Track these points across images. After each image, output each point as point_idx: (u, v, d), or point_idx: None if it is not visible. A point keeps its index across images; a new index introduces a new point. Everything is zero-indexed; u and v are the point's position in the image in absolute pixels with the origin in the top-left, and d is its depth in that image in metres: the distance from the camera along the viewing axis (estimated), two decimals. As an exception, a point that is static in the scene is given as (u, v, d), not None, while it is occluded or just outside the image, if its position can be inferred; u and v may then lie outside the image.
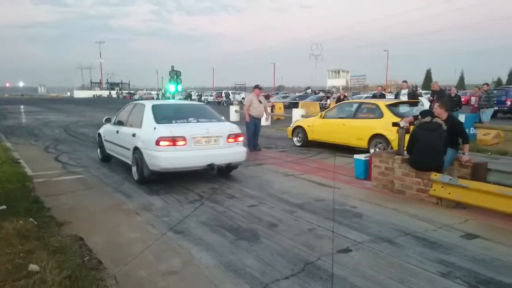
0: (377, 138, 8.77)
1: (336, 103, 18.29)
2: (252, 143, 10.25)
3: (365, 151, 8.49)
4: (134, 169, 6.76)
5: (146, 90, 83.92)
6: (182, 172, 6.54)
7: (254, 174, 7.44)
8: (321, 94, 40.77)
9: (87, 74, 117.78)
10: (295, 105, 28.17)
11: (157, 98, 50.29)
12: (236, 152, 6.80)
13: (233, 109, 22.37)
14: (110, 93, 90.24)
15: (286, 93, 49.78)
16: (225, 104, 39.82)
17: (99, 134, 8.77)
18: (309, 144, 10.83)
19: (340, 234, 4.30)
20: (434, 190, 5.41)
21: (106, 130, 8.33)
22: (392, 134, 7.84)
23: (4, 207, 4.84)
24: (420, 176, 5.63)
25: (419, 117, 5.86)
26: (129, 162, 6.95)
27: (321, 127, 10.47)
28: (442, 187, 5.30)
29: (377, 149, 8.49)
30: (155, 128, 6.31)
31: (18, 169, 7.55)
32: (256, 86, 10.84)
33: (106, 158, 8.52)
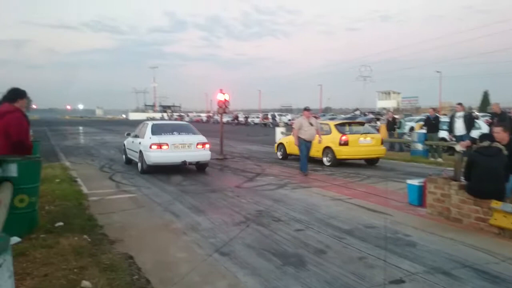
0: (327, 150, 11.58)
1: (386, 125, 17.91)
2: (305, 166, 10.06)
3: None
4: (139, 164, 10.10)
5: (196, 113, 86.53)
6: (167, 165, 9.84)
7: (300, 197, 7.32)
8: (371, 116, 39.90)
9: (141, 97, 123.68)
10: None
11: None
12: (203, 154, 10.06)
13: (279, 130, 22.36)
14: (162, 115, 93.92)
15: (333, 115, 49.21)
16: (271, 126, 40.04)
17: (124, 144, 11.91)
18: (287, 158, 13.14)
19: (392, 263, 4.07)
20: (495, 219, 5.01)
21: (127, 141, 11.62)
22: (336, 146, 11.32)
23: (61, 223, 5.09)
24: (479, 204, 5.26)
25: (478, 141, 5.53)
26: (137, 160, 10.29)
27: (293, 143, 11.15)
28: (505, 216, 4.90)
29: (327, 159, 11.67)
30: (150, 138, 9.77)
31: (75, 187, 7.98)
32: (305, 109, 10.72)
33: (128, 161, 11.55)
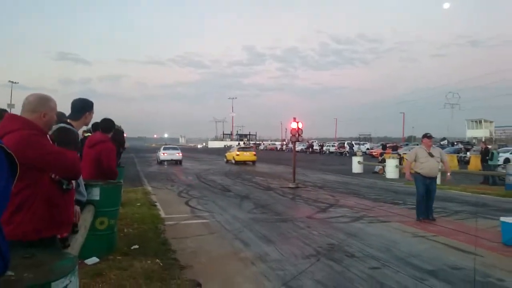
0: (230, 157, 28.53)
1: (481, 155, 16.57)
2: (421, 210, 7.78)
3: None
4: (156, 161, 29.31)
5: (271, 141, 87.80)
6: (167, 160, 27.39)
7: (377, 232, 6.83)
8: (459, 145, 37.01)
9: (220, 126, 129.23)
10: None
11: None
12: (179, 156, 27.42)
13: (356, 160, 21.65)
14: (238, 143, 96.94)
15: (417, 144, 46.47)
16: (347, 155, 38.88)
17: (157, 154, 29.70)
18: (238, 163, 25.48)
19: (485, 315, 3.53)
20: None
21: (158, 153, 29.88)
22: (235, 155, 27.60)
23: (137, 246, 5.30)
24: None
25: None
26: (161, 159, 27.77)
27: (236, 156, 27.31)
28: None
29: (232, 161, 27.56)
30: (161, 150, 29.29)
31: (153, 211, 8.36)
32: (425, 135, 8.13)
33: (159, 162, 27.54)
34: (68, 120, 3.41)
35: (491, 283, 4.33)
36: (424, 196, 7.75)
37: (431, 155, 7.80)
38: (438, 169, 8.02)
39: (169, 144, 38.64)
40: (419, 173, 7.81)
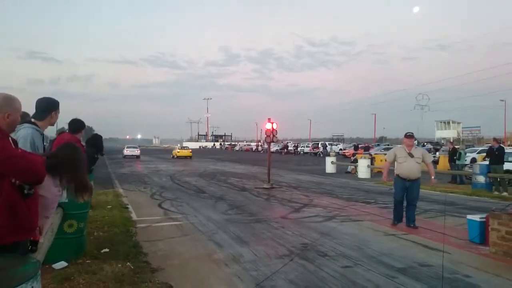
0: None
1: (449, 155, 17.16)
2: (398, 214, 7.39)
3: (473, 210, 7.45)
4: (123, 155, 39.36)
5: (246, 142, 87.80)
6: (129, 155, 38.42)
7: (350, 232, 6.94)
8: (429, 146, 38.19)
9: (195, 127, 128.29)
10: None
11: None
12: (138, 153, 39.11)
13: (329, 160, 21.97)
14: (214, 144, 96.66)
15: (388, 145, 47.48)
16: (321, 155, 39.38)
17: (123, 151, 40.69)
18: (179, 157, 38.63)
19: (452, 310, 3.64)
20: None
21: (123, 150, 41.11)
22: (176, 152, 41.70)
23: (107, 249, 5.17)
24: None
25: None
26: (124, 154, 39.18)
27: (178, 152, 40.94)
28: None
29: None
30: (125, 148, 41.78)
31: (125, 214, 8.18)
32: (407, 135, 7.56)
33: (124, 157, 38.01)
34: (33, 120, 3.29)
35: (458, 279, 4.47)
36: (402, 200, 7.32)
37: (411, 155, 7.30)
38: (419, 171, 7.36)
39: (131, 145, 50.16)
40: (397, 175, 7.42)
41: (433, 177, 7.41)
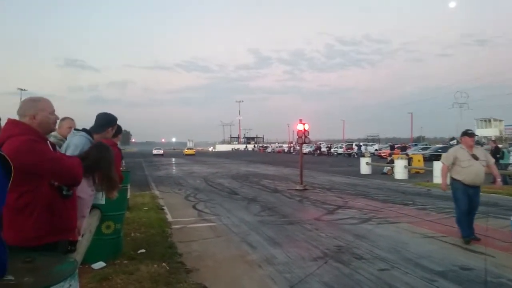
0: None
1: (492, 154, 16.33)
2: (465, 227, 6.12)
3: None
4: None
5: (278, 143, 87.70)
6: (156, 154, 57.96)
7: (386, 234, 6.74)
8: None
9: (228, 130, 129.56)
10: (437, 157, 25.65)
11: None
12: (162, 152, 61.20)
13: (364, 161, 21.49)
14: (246, 146, 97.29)
15: (426, 144, 45.93)
16: (355, 156, 38.64)
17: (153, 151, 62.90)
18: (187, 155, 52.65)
19: (497, 316, 3.45)
20: None
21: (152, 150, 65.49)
22: (184, 152, 64.74)
23: (143, 250, 5.30)
24: None
25: None
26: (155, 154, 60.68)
27: (186, 151, 64.23)
28: None
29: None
30: (154, 149, 65.60)
31: (161, 215, 8.36)
32: (466, 133, 6.33)
33: (154, 155, 56.73)
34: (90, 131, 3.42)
35: (503, 284, 4.25)
36: (468, 209, 6.12)
37: (475, 157, 6.05)
38: (484, 176, 6.22)
39: (158, 147, 67.73)
40: (460, 181, 6.12)
41: (499, 180, 6.43)
